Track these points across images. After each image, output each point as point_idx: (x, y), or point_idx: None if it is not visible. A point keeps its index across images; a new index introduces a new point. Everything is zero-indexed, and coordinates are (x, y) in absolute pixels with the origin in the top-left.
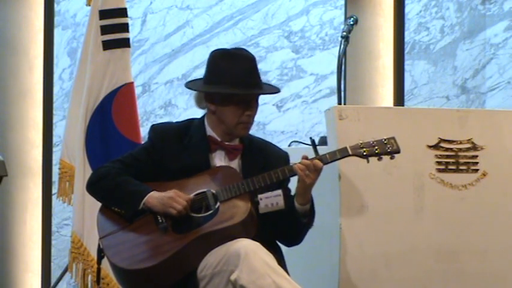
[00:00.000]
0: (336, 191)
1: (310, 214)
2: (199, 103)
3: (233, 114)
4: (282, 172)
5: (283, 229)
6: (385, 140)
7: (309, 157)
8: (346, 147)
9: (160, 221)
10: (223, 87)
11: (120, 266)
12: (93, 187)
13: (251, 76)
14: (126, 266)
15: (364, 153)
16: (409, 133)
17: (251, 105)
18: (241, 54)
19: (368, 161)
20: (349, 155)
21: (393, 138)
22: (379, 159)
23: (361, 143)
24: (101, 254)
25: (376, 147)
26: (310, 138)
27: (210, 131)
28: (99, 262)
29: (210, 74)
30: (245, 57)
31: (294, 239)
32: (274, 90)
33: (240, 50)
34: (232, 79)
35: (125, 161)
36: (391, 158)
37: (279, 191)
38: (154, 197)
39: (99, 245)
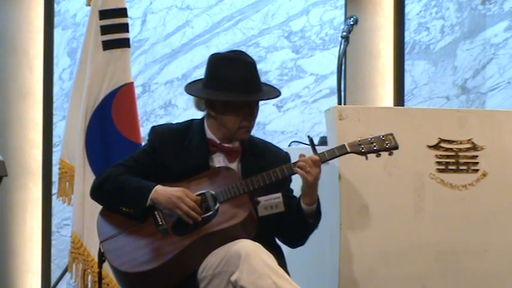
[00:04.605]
0: (336, 191)
1: (316, 214)
2: (198, 106)
3: (234, 120)
4: (281, 171)
5: (288, 230)
6: (383, 136)
7: (307, 156)
8: (344, 145)
9: (160, 223)
10: (224, 93)
11: (121, 270)
12: (97, 192)
13: (251, 81)
14: (127, 269)
15: (363, 150)
16: (409, 133)
17: (252, 110)
18: (241, 59)
19: (366, 158)
20: (348, 153)
21: (391, 134)
22: (378, 155)
23: (359, 140)
24: (102, 257)
25: (374, 144)
26: (308, 136)
27: (209, 134)
28: (100, 266)
29: (210, 78)
30: (244, 61)
31: (299, 240)
32: (275, 94)
33: (240, 53)
34: (232, 85)
35: (125, 164)
36: (390, 154)
37: (279, 194)
38: (161, 194)
39: (100, 249)
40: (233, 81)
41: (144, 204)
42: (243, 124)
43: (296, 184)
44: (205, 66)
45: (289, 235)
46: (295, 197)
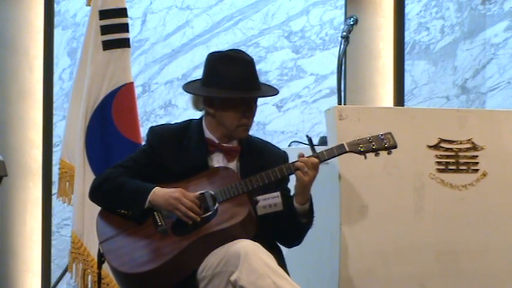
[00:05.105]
0: (336, 191)
1: (309, 214)
2: (196, 106)
3: (233, 118)
4: (280, 171)
5: (283, 230)
6: (381, 135)
7: (306, 155)
8: (343, 144)
9: (159, 223)
10: (222, 91)
11: (121, 270)
12: (95, 194)
13: (250, 79)
14: (127, 270)
15: (361, 150)
16: (409, 133)
17: (250, 108)
18: (240, 57)
19: (365, 157)
20: (346, 152)
21: (390, 133)
22: (377, 155)
23: (358, 139)
24: (101, 258)
25: (373, 143)
26: (307, 136)
27: (208, 133)
28: (99, 267)
29: (208, 77)
30: (243, 59)
31: (294, 240)
32: (273, 92)
33: (238, 52)
34: (231, 82)
35: (124, 164)
36: (389, 154)
37: (277, 193)
38: (159, 196)
39: (99, 250)
40: (232, 79)
41: (143, 206)
42: (242, 122)
43: (292, 184)
44: (203, 67)
45: (284, 235)
46: (291, 196)
